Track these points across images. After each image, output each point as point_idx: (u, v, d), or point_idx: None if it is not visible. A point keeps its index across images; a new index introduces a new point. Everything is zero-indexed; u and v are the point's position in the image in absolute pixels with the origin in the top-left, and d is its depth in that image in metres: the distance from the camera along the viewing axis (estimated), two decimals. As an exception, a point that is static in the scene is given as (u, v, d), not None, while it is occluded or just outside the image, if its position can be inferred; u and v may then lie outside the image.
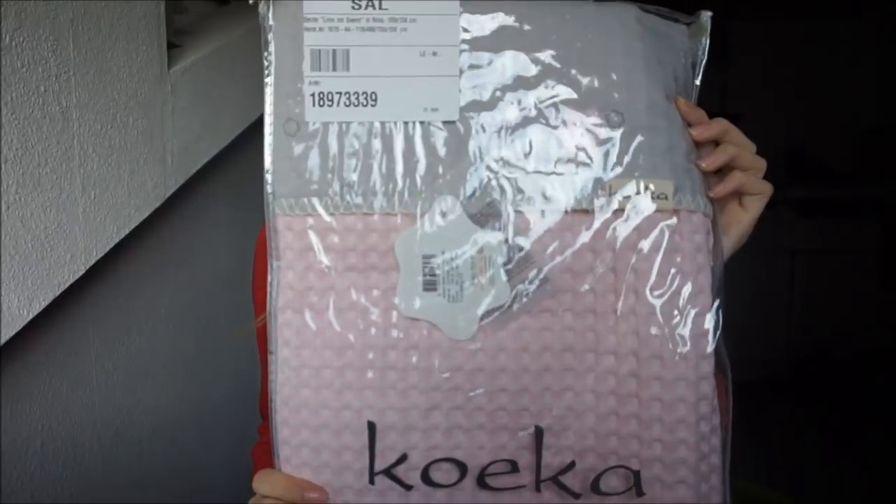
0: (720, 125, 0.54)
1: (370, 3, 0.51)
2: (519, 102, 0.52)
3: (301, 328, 0.51)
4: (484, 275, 0.51)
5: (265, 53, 0.52)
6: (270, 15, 0.51)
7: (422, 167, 0.51)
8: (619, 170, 0.51)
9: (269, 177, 0.51)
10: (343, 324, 0.51)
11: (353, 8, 0.51)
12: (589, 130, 0.51)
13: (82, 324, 0.95)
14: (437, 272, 0.51)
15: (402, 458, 0.51)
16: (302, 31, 0.51)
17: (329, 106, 0.51)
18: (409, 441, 0.51)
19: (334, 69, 0.51)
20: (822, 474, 2.18)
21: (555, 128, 0.52)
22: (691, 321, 0.51)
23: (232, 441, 1.34)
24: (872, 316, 2.80)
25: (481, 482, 0.51)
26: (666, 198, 0.51)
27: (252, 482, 0.55)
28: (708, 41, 0.54)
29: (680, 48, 0.54)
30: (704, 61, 0.55)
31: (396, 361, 0.51)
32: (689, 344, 0.51)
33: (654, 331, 0.51)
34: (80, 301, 0.92)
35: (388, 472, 0.51)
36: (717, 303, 0.52)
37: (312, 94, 0.51)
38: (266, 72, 0.52)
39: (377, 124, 0.51)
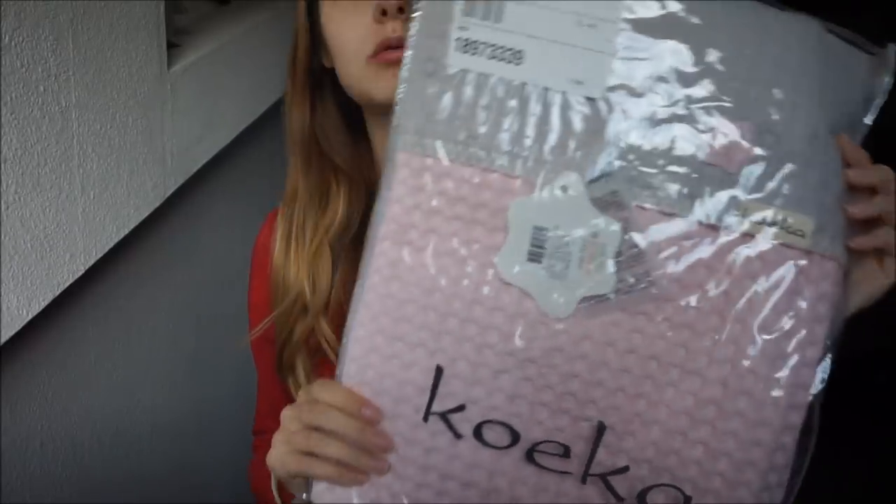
0: (882, 172, 0.49)
1: None
2: (670, 96, 0.49)
3: (396, 261, 0.51)
4: (592, 260, 0.49)
5: None
6: None
7: (553, 138, 0.49)
8: (759, 194, 0.48)
9: (397, 109, 0.51)
10: (438, 267, 0.51)
11: None
12: (737, 144, 0.48)
13: (82, 324, 0.95)
14: (546, 246, 0.49)
15: (461, 408, 0.51)
16: None
17: (473, 54, 0.50)
18: (472, 395, 0.51)
19: (486, 19, 0.50)
20: (823, 474, 2.18)
21: (702, 132, 0.48)
22: (793, 369, 0.48)
23: (232, 440, 1.34)
24: (872, 316, 2.80)
25: (529, 456, 0.51)
26: (803, 235, 0.48)
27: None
28: (891, 80, 0.50)
29: (857, 79, 0.50)
30: (882, 102, 0.50)
31: (480, 317, 0.50)
32: (784, 391, 0.48)
33: (751, 366, 0.48)
34: (80, 301, 0.92)
35: (443, 416, 0.51)
36: (827, 358, 0.49)
37: (458, 39, 0.50)
38: (416, 7, 0.51)
39: (517, 83, 0.49)
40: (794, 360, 0.48)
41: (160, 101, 1.01)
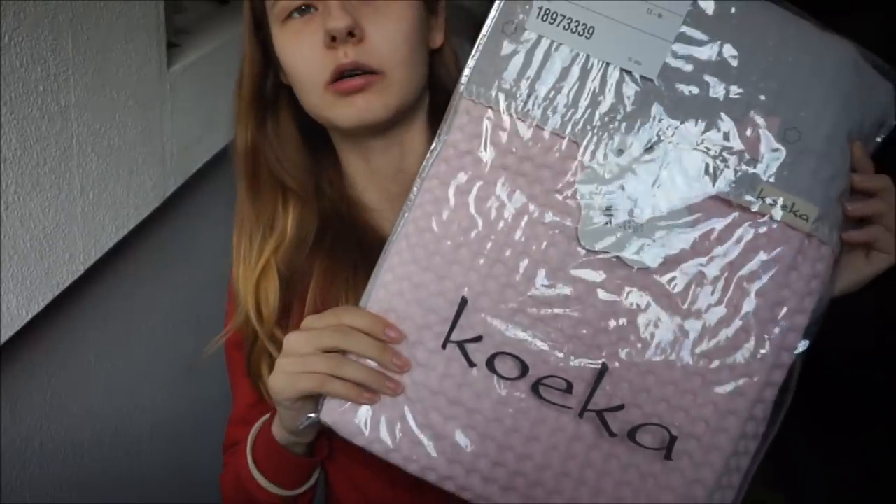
0: (882, 181, 0.56)
1: None
2: (713, 86, 0.55)
3: (440, 199, 0.56)
4: (661, 209, 0.54)
5: None
6: None
7: (604, 106, 0.55)
8: (775, 179, 0.54)
9: (472, 60, 0.56)
10: (478, 209, 0.56)
11: None
12: (764, 135, 0.54)
13: (82, 324, 0.95)
14: (619, 207, 0.54)
15: (478, 339, 0.56)
16: None
17: (550, 23, 0.55)
18: (489, 328, 0.56)
19: None
20: (822, 474, 2.18)
21: (735, 120, 0.54)
22: (781, 333, 0.54)
23: (232, 441, 1.34)
24: (871, 315, 2.80)
25: (535, 389, 0.55)
26: (806, 220, 0.54)
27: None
28: None
29: (878, 103, 0.57)
30: (892, 126, 0.58)
31: (508, 259, 0.55)
32: (771, 351, 0.54)
33: (744, 326, 0.54)
34: (80, 301, 0.92)
35: (460, 345, 0.56)
36: (811, 332, 0.55)
37: (541, 8, 0.55)
38: None
39: (583, 55, 0.55)
40: (782, 325, 0.55)
41: (160, 101, 1.01)
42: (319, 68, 0.63)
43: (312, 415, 0.59)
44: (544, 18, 0.55)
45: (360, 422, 0.57)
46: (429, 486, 0.58)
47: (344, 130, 0.67)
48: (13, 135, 0.74)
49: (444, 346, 0.56)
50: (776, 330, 0.54)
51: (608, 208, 0.54)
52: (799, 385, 0.57)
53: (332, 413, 0.57)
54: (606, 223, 0.55)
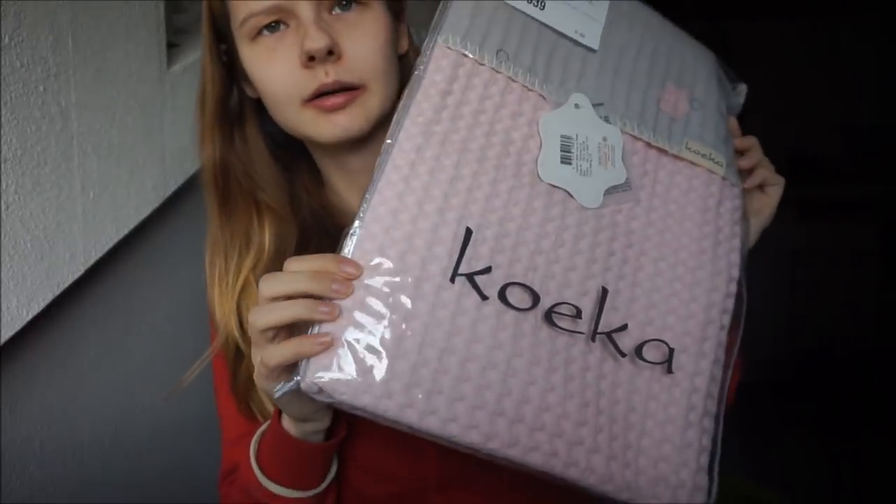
0: (751, 140, 0.71)
1: None
2: (636, 63, 0.67)
3: (429, 127, 0.56)
4: (608, 159, 0.62)
5: None
6: None
7: (559, 68, 0.63)
8: (695, 136, 0.67)
9: (447, 14, 0.60)
10: (463, 147, 0.57)
11: None
12: (681, 102, 0.68)
13: (82, 324, 0.95)
14: (572, 150, 0.61)
15: (487, 270, 0.54)
16: None
17: None
18: (496, 260, 0.55)
19: None
20: (822, 474, 2.18)
21: (659, 89, 0.67)
22: (727, 252, 0.64)
23: (232, 441, 1.34)
24: (872, 316, 2.80)
25: (548, 317, 0.55)
26: (721, 166, 0.67)
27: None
28: (739, 108, 0.74)
29: (727, 92, 0.73)
30: (739, 110, 0.74)
31: (502, 192, 0.57)
32: (724, 266, 0.63)
33: (700, 248, 0.63)
34: (80, 301, 0.92)
35: (470, 277, 0.53)
36: (744, 256, 0.65)
37: None
38: None
39: (539, 21, 0.63)
40: (728, 244, 0.64)
41: (160, 101, 1.01)
42: (298, 87, 0.62)
43: (294, 379, 0.50)
44: None
45: (356, 375, 0.49)
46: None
47: (322, 144, 0.66)
48: (13, 135, 0.74)
49: (452, 280, 0.53)
50: (722, 250, 0.64)
51: (567, 151, 0.61)
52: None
53: (316, 369, 0.49)
54: (564, 164, 0.60)
